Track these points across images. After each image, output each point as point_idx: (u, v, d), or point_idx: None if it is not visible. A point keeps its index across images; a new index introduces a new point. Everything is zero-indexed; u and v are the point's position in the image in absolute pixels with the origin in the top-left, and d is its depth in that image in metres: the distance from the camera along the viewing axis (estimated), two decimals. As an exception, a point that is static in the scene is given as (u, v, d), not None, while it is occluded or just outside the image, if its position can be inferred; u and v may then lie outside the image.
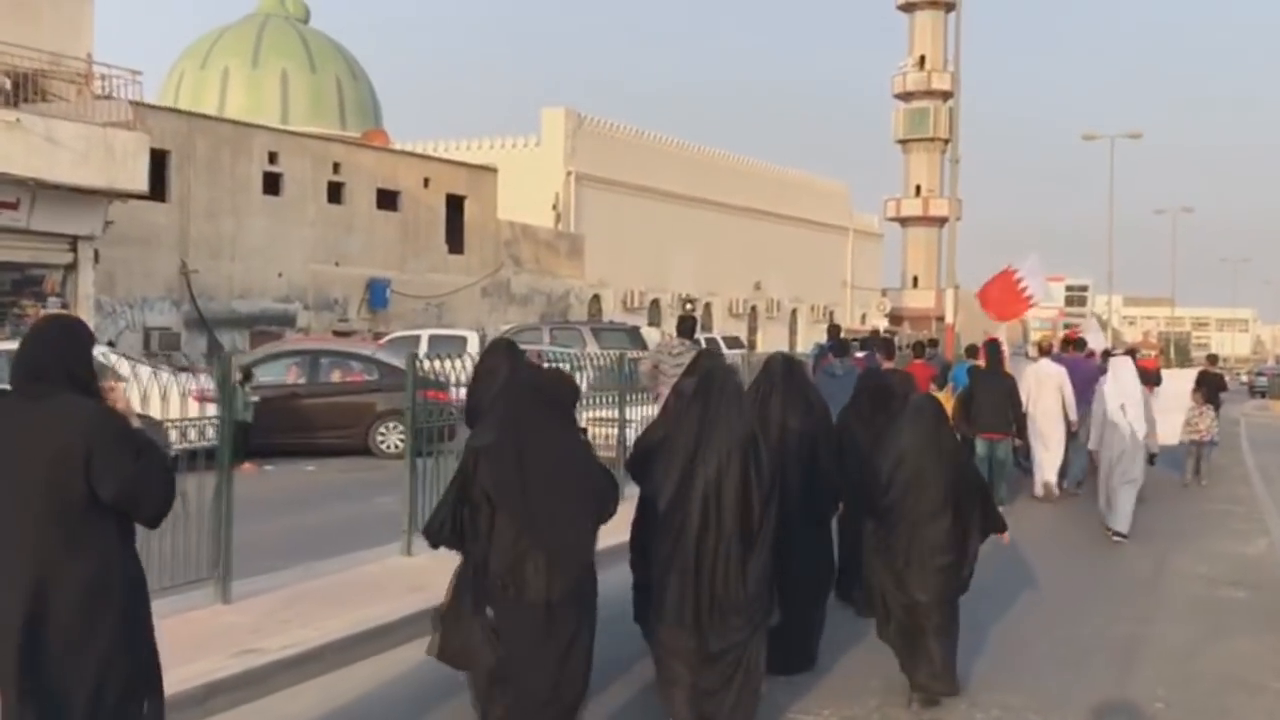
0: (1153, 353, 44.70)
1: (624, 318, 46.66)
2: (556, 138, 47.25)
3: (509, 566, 5.28)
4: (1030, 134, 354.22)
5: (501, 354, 6.59)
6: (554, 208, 46.67)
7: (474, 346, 24.87)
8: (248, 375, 18.15)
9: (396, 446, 17.53)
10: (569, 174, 46.92)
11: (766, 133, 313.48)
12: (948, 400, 14.46)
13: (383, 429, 18.74)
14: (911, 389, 8.52)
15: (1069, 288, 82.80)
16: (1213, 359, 24.36)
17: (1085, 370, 16.53)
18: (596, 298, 48.14)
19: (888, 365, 14.58)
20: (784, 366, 7.76)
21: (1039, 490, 15.51)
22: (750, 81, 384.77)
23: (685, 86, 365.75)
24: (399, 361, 17.69)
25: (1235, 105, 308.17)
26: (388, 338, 26.43)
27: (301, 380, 19.41)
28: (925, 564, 6.84)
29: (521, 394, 5.61)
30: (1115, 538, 12.72)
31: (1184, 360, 70.79)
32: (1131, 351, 20.85)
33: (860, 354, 16.56)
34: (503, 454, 5.32)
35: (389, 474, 12.98)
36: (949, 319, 28.87)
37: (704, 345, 14.73)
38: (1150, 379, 17.46)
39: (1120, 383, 13.16)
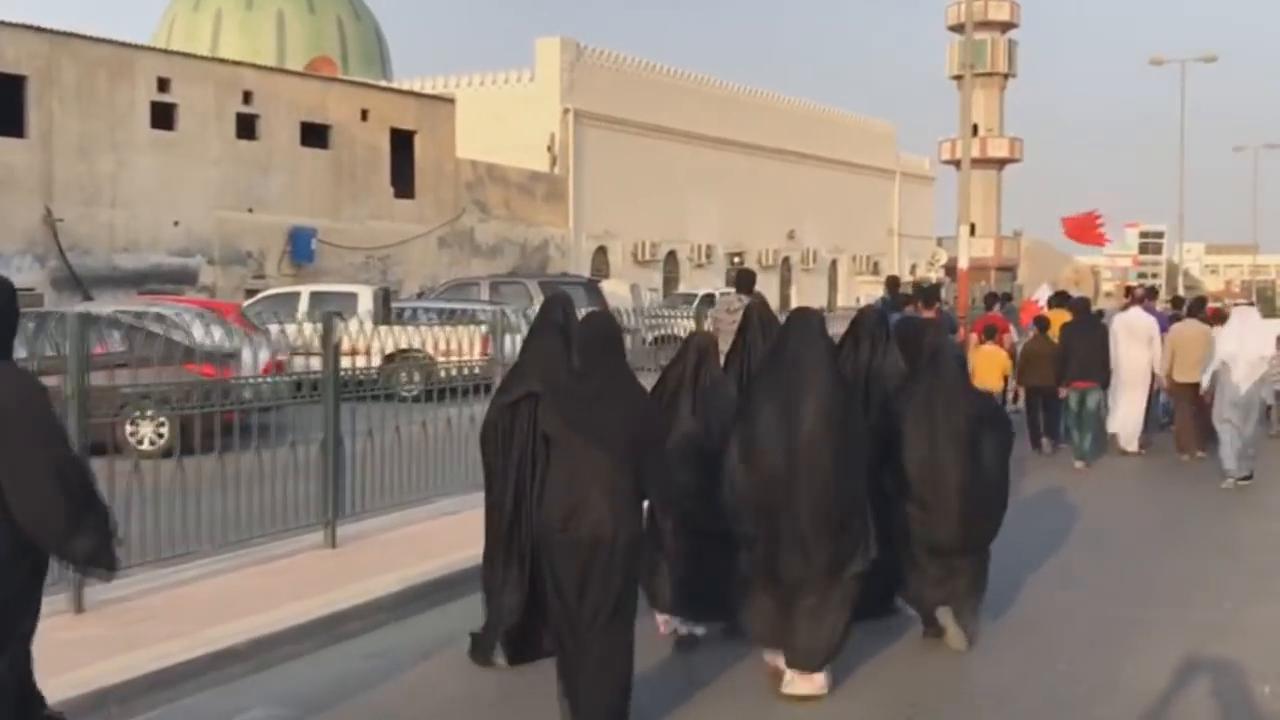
0: (1231, 301, 44.39)
1: (634, 272, 42.17)
2: (552, 71, 42.61)
3: (565, 506, 5.30)
4: (1098, 67, 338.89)
5: (558, 309, 6.77)
6: (549, 149, 41.87)
7: (366, 305, 20.06)
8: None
9: (154, 441, 12.94)
10: (566, 111, 42.16)
11: (801, 66, 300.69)
12: (997, 354, 15.16)
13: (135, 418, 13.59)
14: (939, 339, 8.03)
15: (1143, 234, 76.69)
16: None
17: (1161, 323, 16.52)
18: (602, 250, 43.50)
19: (927, 314, 14.52)
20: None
21: (1124, 444, 15.31)
22: (782, 9, 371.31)
23: (704, 18, 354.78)
24: (200, 327, 13.68)
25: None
26: (257, 296, 21.73)
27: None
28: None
29: (575, 338, 5.91)
30: (1241, 482, 12.67)
31: (1269, 311, 64.83)
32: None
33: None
34: (561, 398, 5.53)
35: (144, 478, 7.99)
36: (962, 264, 24.79)
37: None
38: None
39: (1245, 333, 12.89)
